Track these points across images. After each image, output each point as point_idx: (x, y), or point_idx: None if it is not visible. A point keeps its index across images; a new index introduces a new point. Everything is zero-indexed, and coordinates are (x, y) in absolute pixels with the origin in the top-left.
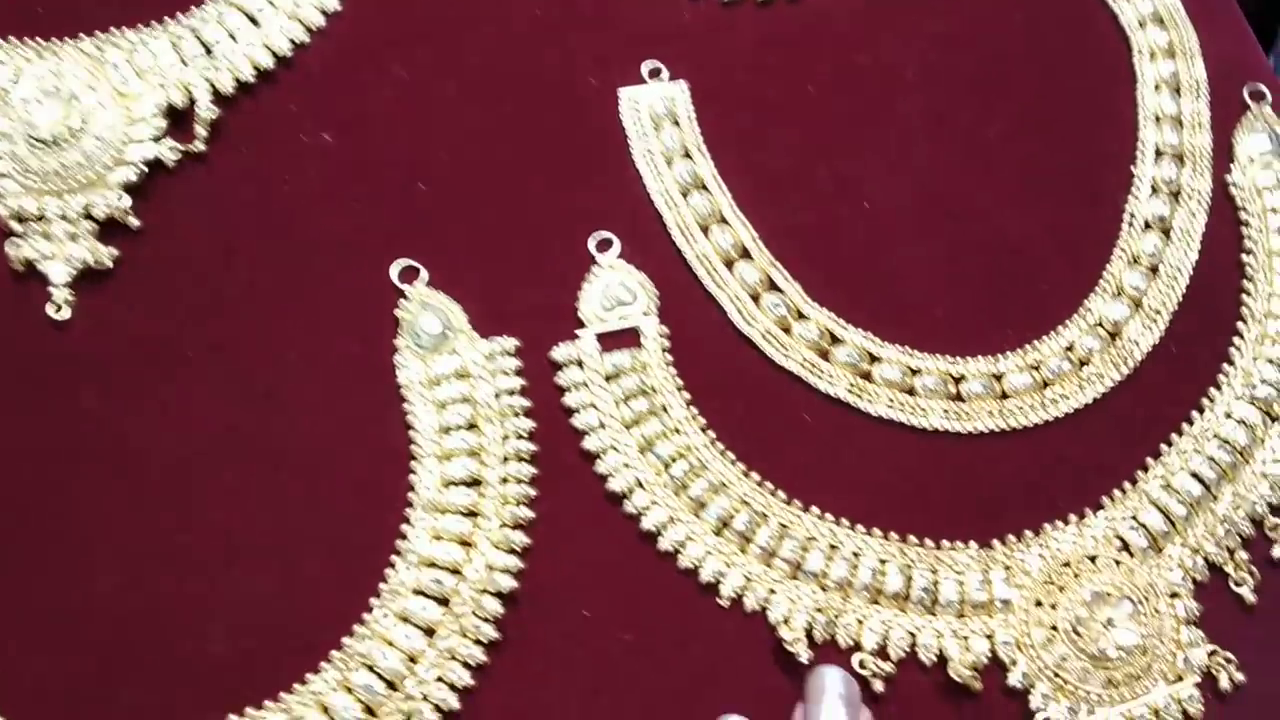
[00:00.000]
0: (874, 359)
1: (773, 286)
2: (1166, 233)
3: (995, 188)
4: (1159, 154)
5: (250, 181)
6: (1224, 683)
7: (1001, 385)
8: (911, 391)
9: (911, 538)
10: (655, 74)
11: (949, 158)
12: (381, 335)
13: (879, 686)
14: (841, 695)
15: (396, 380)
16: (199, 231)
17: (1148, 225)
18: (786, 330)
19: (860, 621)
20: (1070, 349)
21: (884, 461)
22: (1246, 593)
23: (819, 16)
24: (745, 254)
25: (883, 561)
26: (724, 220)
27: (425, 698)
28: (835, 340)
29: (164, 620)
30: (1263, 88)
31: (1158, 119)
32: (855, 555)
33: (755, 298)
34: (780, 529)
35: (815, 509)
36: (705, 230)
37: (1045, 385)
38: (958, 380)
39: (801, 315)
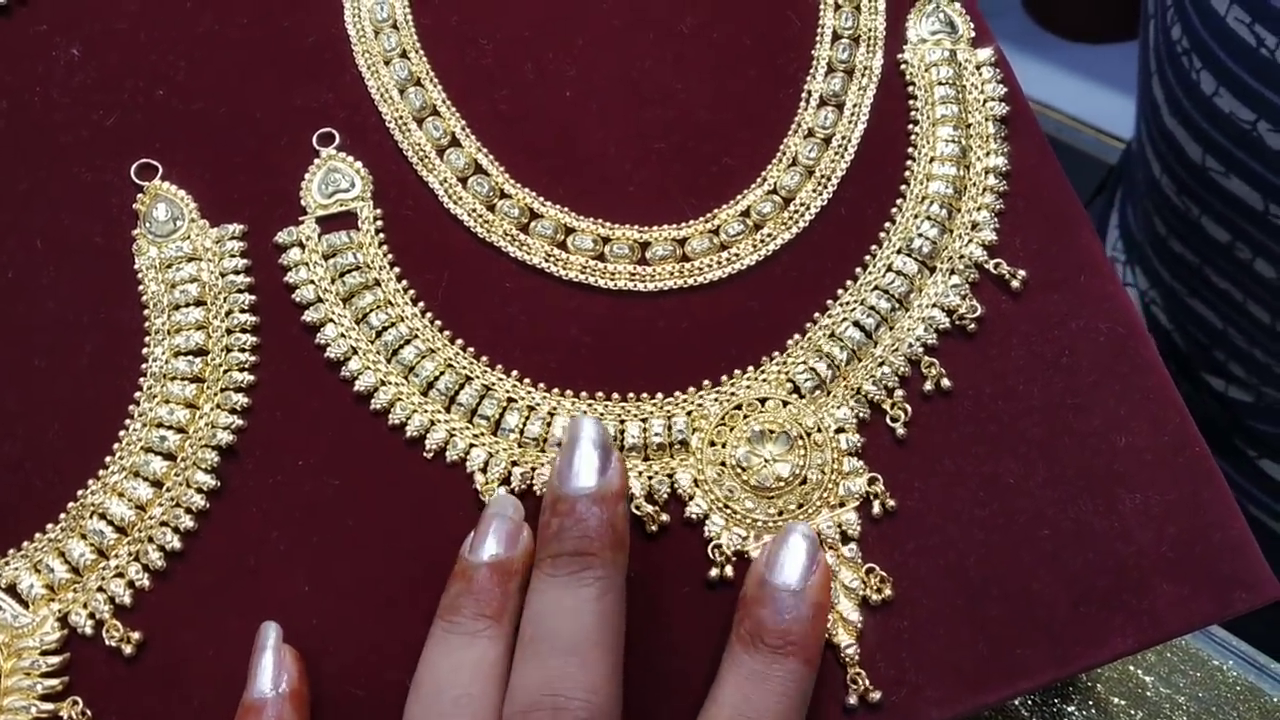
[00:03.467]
0: (569, 230)
1: (479, 170)
2: (840, 107)
3: (687, 75)
4: (836, 36)
5: (3, 94)
6: (877, 508)
7: (684, 249)
8: (602, 258)
9: (600, 394)
10: None
11: (645, 49)
12: (122, 226)
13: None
14: (593, 440)
15: (134, 265)
16: None
17: (823, 101)
18: (491, 209)
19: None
20: (746, 214)
21: (576, 322)
22: (900, 427)
23: None
24: (455, 142)
25: (576, 416)
26: (437, 113)
27: (151, 540)
28: (535, 216)
29: None
30: None
31: (837, 5)
32: (550, 414)
33: (463, 181)
34: (482, 389)
35: (515, 373)
36: (420, 122)
37: (724, 248)
38: (644, 246)
39: (505, 194)
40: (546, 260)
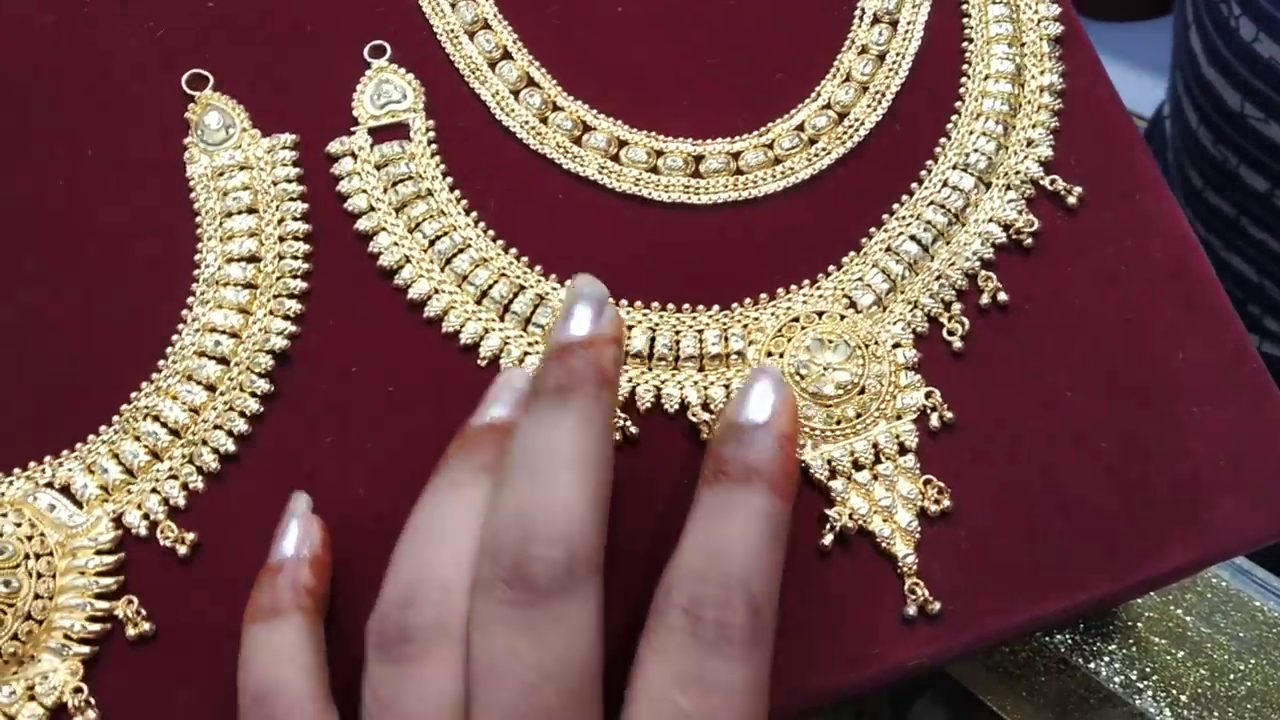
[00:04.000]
0: (622, 143)
1: (531, 83)
2: (894, 25)
3: None
4: None
5: (51, 8)
6: (934, 421)
7: (738, 163)
8: (655, 170)
9: (655, 305)
10: None
11: None
12: (173, 136)
13: (634, 430)
14: (588, 295)
15: (185, 174)
16: (5, 51)
17: (876, 18)
18: (543, 121)
19: None
20: (801, 128)
21: (631, 235)
22: (957, 340)
23: None
24: (507, 55)
25: (629, 327)
26: (488, 26)
27: (205, 442)
28: (588, 128)
29: None
30: None
31: None
32: None
33: (515, 94)
34: (536, 298)
35: (570, 283)
36: (471, 35)
37: (778, 161)
38: (698, 159)
39: (557, 107)
40: (600, 172)
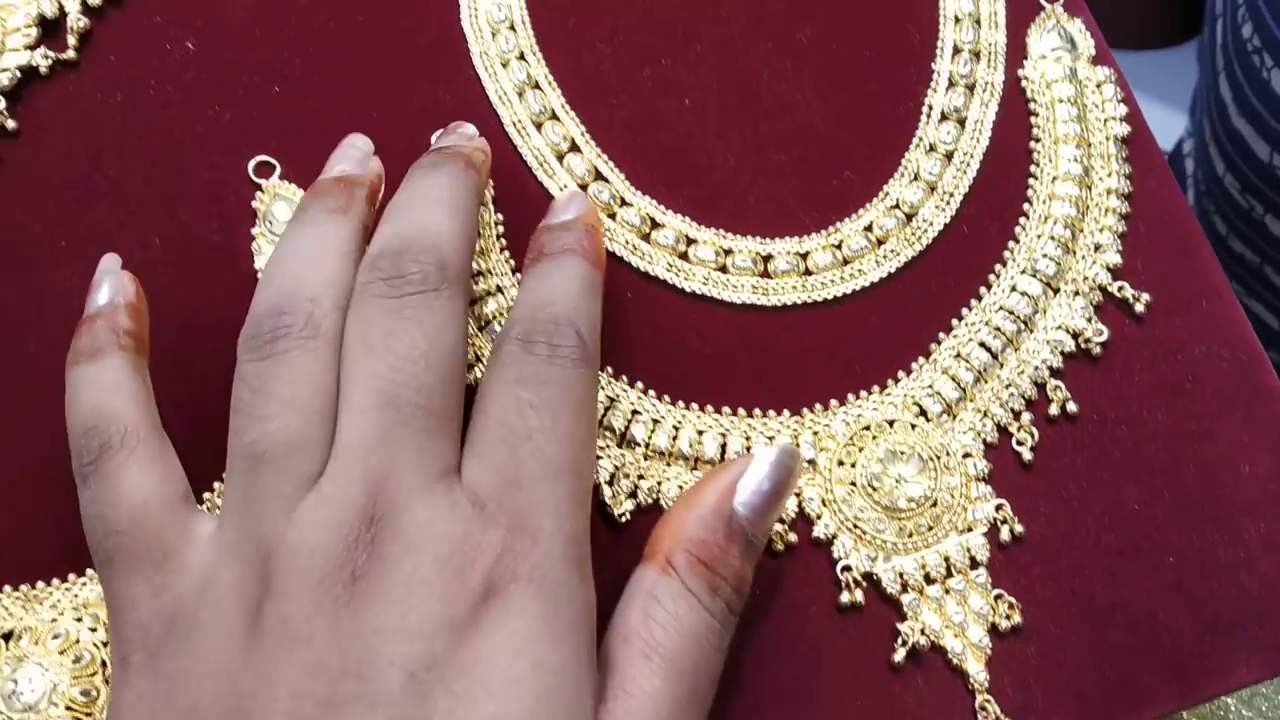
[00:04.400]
0: (690, 241)
1: (599, 177)
2: (961, 123)
3: (805, 86)
4: (957, 50)
5: (118, 87)
6: (1005, 534)
7: (806, 263)
8: (724, 269)
9: (726, 409)
10: None
11: (764, 58)
12: (240, 224)
13: None
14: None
15: (254, 265)
16: (70, 132)
17: (944, 116)
18: (611, 216)
19: (681, 487)
20: (869, 228)
21: (699, 335)
22: (1026, 451)
23: None
24: (575, 148)
25: (700, 432)
26: (555, 117)
27: None
28: (655, 225)
29: (44, 482)
30: None
31: (957, 18)
32: (675, 428)
33: (584, 187)
34: (608, 400)
35: (640, 385)
36: (539, 126)
37: (846, 262)
38: (766, 259)
39: (625, 202)
40: (669, 270)
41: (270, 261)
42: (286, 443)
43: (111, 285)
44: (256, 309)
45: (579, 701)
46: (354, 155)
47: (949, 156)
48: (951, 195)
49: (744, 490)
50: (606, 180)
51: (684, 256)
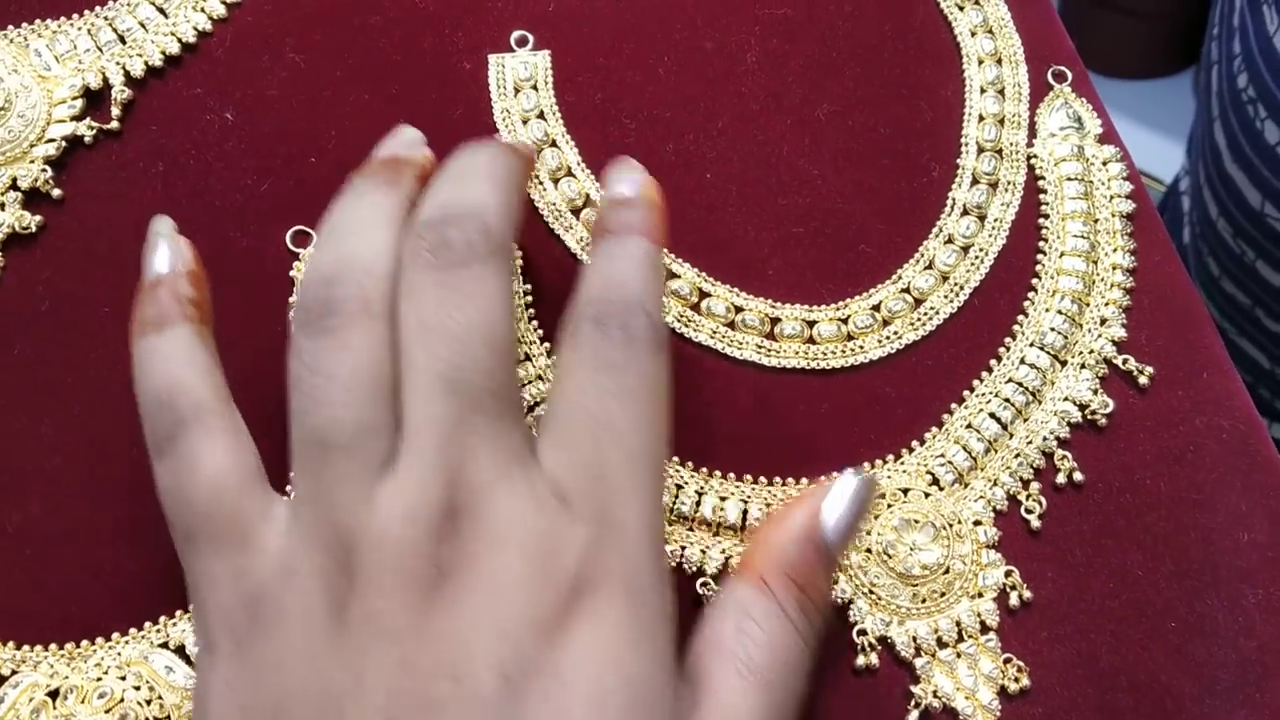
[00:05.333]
0: (704, 294)
1: None
2: (982, 219)
3: (823, 162)
4: (980, 150)
5: (160, 156)
6: (1014, 599)
7: (812, 332)
8: (733, 326)
9: (748, 476)
10: (523, 43)
11: (783, 134)
12: (277, 293)
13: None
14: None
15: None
16: (114, 200)
17: (965, 211)
18: None
19: (703, 552)
20: (877, 308)
21: (708, 387)
22: (1034, 519)
23: (669, 6)
24: (590, 202)
25: (722, 499)
26: (571, 174)
27: None
28: (671, 275)
29: (87, 540)
30: (1065, 69)
31: (980, 118)
32: (698, 494)
33: None
34: None
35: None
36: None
37: (850, 338)
38: (774, 321)
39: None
40: (678, 320)
41: (320, 234)
42: (355, 427)
43: (171, 251)
44: (309, 276)
45: (664, 709)
46: (403, 139)
47: (965, 250)
48: (962, 288)
49: (830, 515)
50: None
51: (695, 308)
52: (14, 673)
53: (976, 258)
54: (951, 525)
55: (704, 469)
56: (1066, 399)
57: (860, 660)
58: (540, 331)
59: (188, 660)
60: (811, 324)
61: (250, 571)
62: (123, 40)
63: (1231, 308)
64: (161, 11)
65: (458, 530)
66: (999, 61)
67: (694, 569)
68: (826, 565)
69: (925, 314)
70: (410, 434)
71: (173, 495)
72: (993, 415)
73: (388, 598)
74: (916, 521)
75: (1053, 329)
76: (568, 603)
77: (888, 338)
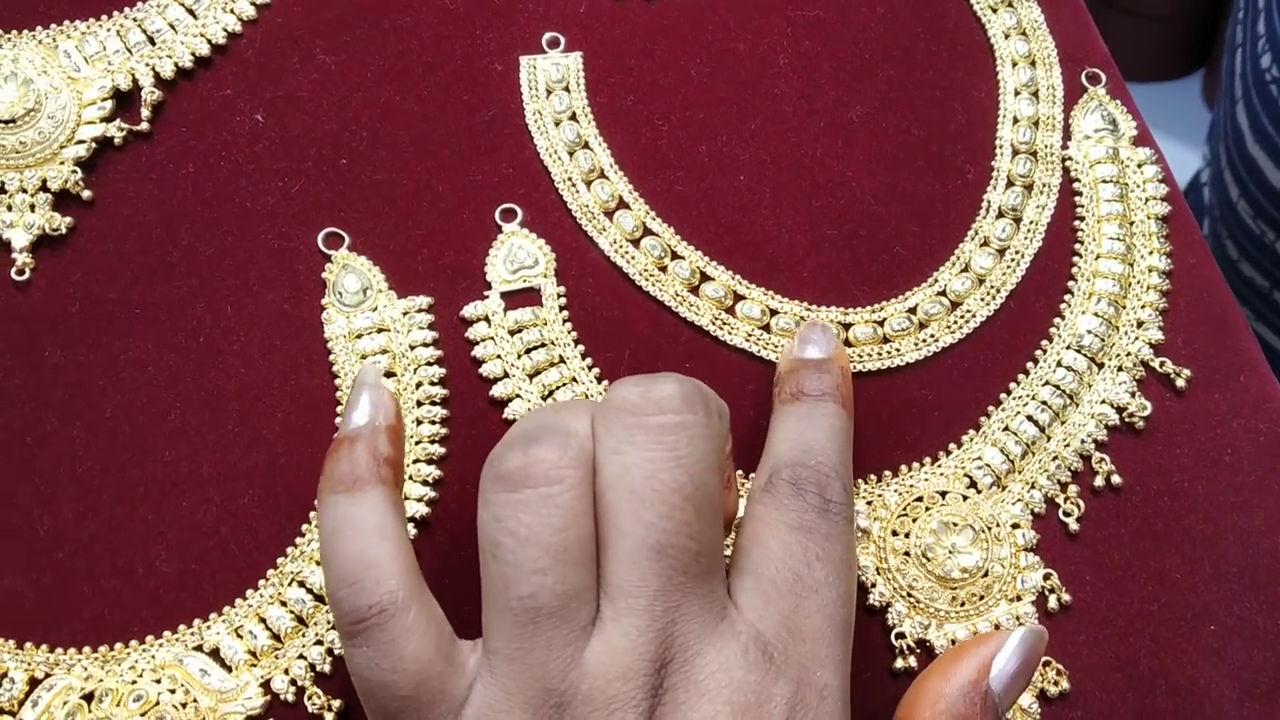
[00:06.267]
0: (739, 297)
1: (649, 232)
2: (1017, 221)
3: (857, 163)
4: (1015, 152)
5: (190, 158)
6: (1052, 602)
7: (848, 334)
8: (768, 329)
9: None
10: (554, 44)
11: (816, 136)
12: (310, 294)
13: None
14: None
15: (323, 334)
16: (144, 202)
17: (1001, 213)
18: (662, 269)
19: None
20: (913, 311)
21: (740, 392)
22: (1073, 522)
23: (701, 8)
24: (623, 204)
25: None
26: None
27: None
28: (706, 278)
29: (119, 543)
30: (1099, 71)
31: (1015, 120)
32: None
33: (634, 242)
34: None
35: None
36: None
37: (886, 340)
38: None
39: (676, 255)
40: (713, 324)
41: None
42: (564, 595)
43: (373, 402)
44: (508, 436)
45: None
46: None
47: (1001, 253)
48: (998, 291)
49: (997, 667)
50: (657, 235)
51: (730, 311)
52: (48, 675)
53: (1013, 260)
54: (990, 528)
55: (740, 471)
56: (1104, 402)
57: (899, 663)
58: (575, 334)
59: (222, 663)
60: (847, 327)
61: None
62: (152, 42)
63: (1249, 291)
64: (191, 13)
65: (668, 679)
66: (1033, 64)
67: None
68: (993, 717)
69: (962, 317)
70: (617, 594)
71: (373, 685)
72: (1030, 418)
73: None
74: (955, 524)
75: (1089, 331)
76: None
77: (924, 340)
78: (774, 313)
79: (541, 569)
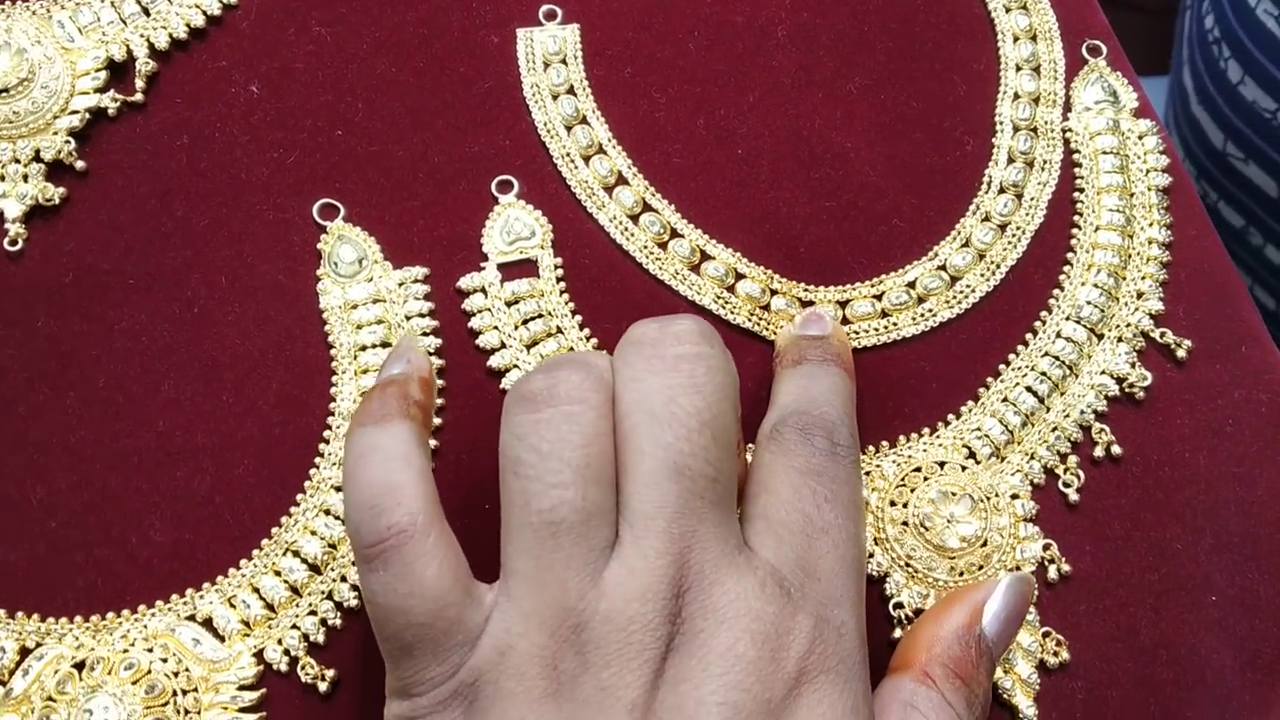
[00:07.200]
0: (740, 275)
1: (648, 208)
2: (1019, 197)
3: (855, 135)
4: (1016, 129)
5: (184, 129)
6: (1052, 573)
7: (845, 311)
8: (768, 309)
9: None
10: (551, 16)
11: (815, 108)
12: (305, 265)
13: None
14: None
15: (319, 305)
16: (138, 173)
17: (1002, 189)
18: (662, 246)
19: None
20: (912, 285)
21: (742, 371)
22: (1072, 493)
23: None
24: (623, 180)
25: None
26: (602, 151)
27: (343, 578)
28: (706, 257)
29: (112, 513)
30: (1100, 43)
31: (1015, 96)
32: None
33: (634, 218)
34: None
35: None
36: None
37: (884, 314)
38: (805, 304)
39: (676, 233)
40: (715, 302)
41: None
42: (585, 511)
43: (409, 359)
44: (533, 370)
45: None
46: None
47: (1002, 228)
48: (999, 266)
49: (989, 613)
50: (656, 212)
51: (731, 290)
52: (39, 645)
53: (1014, 236)
54: (989, 498)
55: (746, 445)
56: (1104, 372)
57: (897, 633)
58: (572, 305)
59: (215, 633)
60: (845, 304)
61: (463, 662)
62: (146, 12)
63: None
64: None
65: (686, 608)
66: (1034, 38)
67: None
68: (987, 661)
69: (961, 292)
70: (635, 515)
71: (390, 610)
72: (1029, 389)
73: (619, 673)
74: (953, 494)
75: (1089, 303)
76: (790, 688)
77: (922, 315)
78: (774, 292)
79: (563, 483)
